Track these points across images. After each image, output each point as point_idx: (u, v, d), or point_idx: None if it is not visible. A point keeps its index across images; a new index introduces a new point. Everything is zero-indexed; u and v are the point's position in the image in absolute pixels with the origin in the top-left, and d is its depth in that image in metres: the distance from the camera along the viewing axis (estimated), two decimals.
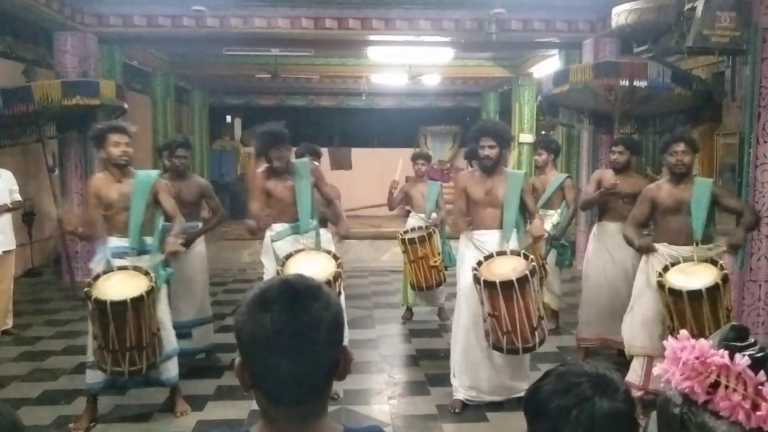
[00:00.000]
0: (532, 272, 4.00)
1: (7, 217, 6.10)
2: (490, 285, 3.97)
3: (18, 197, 6.19)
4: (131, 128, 4.31)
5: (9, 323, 6.15)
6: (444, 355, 5.50)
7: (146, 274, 4.02)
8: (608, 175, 5.33)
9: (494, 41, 8.28)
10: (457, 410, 4.35)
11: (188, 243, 4.84)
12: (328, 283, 3.96)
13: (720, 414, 1.08)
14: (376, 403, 4.59)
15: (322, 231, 4.75)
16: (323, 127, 16.06)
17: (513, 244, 4.33)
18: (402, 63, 11.72)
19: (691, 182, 4.29)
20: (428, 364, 5.35)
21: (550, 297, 6.03)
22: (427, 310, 6.78)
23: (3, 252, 5.94)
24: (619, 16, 6.19)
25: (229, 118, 16.55)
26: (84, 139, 8.42)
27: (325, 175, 5.02)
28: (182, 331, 4.78)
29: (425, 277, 6.13)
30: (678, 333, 1.20)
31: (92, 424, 4.15)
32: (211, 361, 5.30)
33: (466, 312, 4.33)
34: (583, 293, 5.46)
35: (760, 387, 1.06)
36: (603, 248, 5.27)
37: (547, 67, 10.72)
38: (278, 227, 4.61)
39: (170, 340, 4.27)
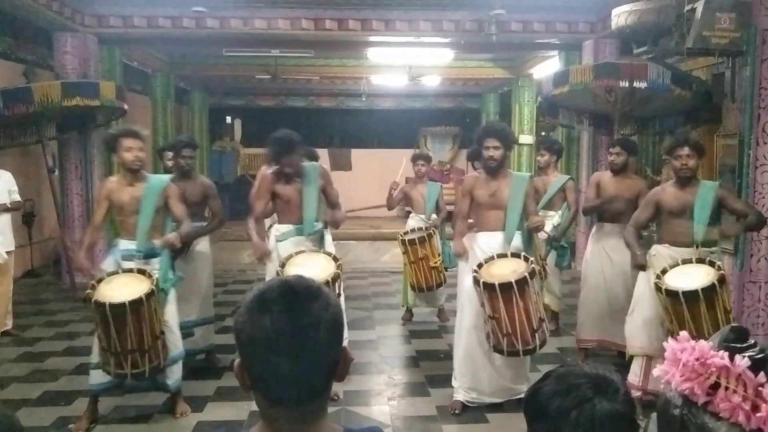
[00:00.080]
0: (531, 274, 4.00)
1: (7, 218, 6.09)
2: (489, 287, 3.97)
3: (17, 198, 6.19)
4: (144, 132, 4.36)
5: (9, 324, 6.14)
6: (444, 356, 5.52)
7: (149, 277, 4.02)
8: (606, 177, 5.34)
9: (494, 42, 8.28)
10: (457, 411, 4.35)
11: (186, 243, 4.84)
12: (327, 283, 3.97)
13: (720, 415, 1.08)
14: (376, 404, 4.59)
15: (326, 233, 4.80)
16: (323, 128, 16.05)
17: (514, 246, 4.33)
18: (402, 64, 11.72)
19: (696, 185, 4.27)
20: (428, 365, 5.35)
21: (550, 298, 6.04)
22: (427, 311, 6.78)
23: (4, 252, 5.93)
24: (619, 17, 6.19)
25: (229, 119, 16.54)
26: (84, 140, 8.44)
27: None
28: (185, 331, 4.78)
29: (425, 278, 6.14)
30: (677, 335, 1.20)
31: (92, 425, 4.15)
32: (211, 362, 5.31)
33: (469, 313, 4.34)
34: (581, 295, 5.46)
35: (760, 388, 1.06)
36: (601, 250, 5.28)
37: (547, 68, 10.72)
38: (283, 228, 4.71)
39: (177, 344, 4.28)
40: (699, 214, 4.16)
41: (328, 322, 1.12)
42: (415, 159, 6.64)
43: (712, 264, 3.98)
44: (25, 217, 8.40)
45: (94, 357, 4.11)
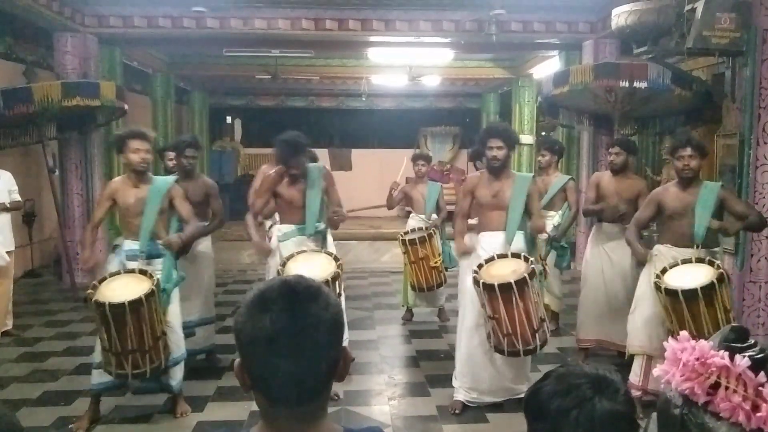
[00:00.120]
0: (531, 275, 4.00)
1: (7, 218, 6.09)
2: (488, 288, 3.97)
3: (17, 198, 6.19)
4: (151, 135, 4.38)
5: (9, 324, 6.14)
6: (444, 356, 5.52)
7: (150, 277, 4.03)
8: (606, 177, 5.33)
9: (494, 42, 8.28)
10: (457, 411, 4.35)
11: (186, 243, 4.85)
12: (327, 283, 3.98)
13: (720, 415, 1.08)
14: (377, 404, 4.59)
15: (328, 233, 4.84)
16: (323, 128, 16.06)
17: (516, 246, 4.33)
18: (402, 64, 11.72)
19: (698, 186, 4.27)
20: (428, 365, 5.35)
21: (550, 298, 6.03)
22: (428, 311, 6.78)
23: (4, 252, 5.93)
24: (619, 17, 6.19)
25: (229, 119, 16.54)
26: (84, 140, 8.44)
27: None
28: (186, 331, 4.78)
29: (426, 277, 6.14)
30: (678, 335, 1.20)
31: (93, 425, 4.14)
32: (211, 362, 5.31)
33: (471, 314, 4.34)
34: (581, 295, 5.46)
35: (760, 388, 1.06)
36: (601, 249, 5.28)
37: (547, 68, 10.72)
38: (285, 228, 4.75)
39: (179, 345, 4.29)
40: (700, 214, 4.16)
41: (328, 321, 1.12)
42: (415, 159, 6.64)
43: (711, 263, 3.99)
44: (26, 216, 8.40)
45: (96, 356, 4.12)
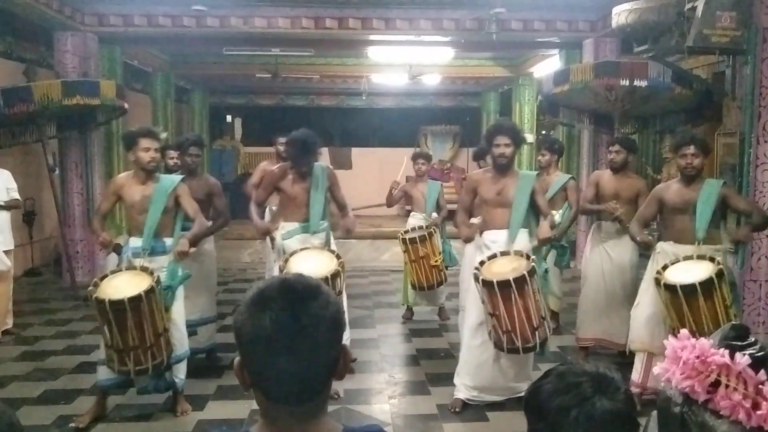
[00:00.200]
0: (531, 272, 4.00)
1: (6, 217, 6.09)
2: (488, 284, 3.98)
3: (16, 196, 6.18)
4: (162, 135, 4.39)
5: (9, 323, 6.14)
6: (444, 355, 5.52)
7: (150, 274, 4.03)
8: (606, 176, 5.33)
9: (494, 41, 8.27)
10: (457, 410, 4.35)
11: (193, 243, 4.86)
12: (326, 280, 3.99)
13: (720, 413, 1.08)
14: (377, 403, 4.59)
15: (330, 232, 4.86)
16: (323, 127, 16.02)
17: (520, 244, 4.32)
18: (402, 63, 11.71)
19: (701, 183, 4.28)
20: (429, 364, 5.35)
21: (550, 297, 6.02)
22: (428, 309, 6.78)
23: (3, 251, 5.93)
24: (620, 15, 6.19)
25: (229, 118, 16.54)
26: (84, 138, 8.43)
27: None
28: (189, 329, 4.78)
29: (426, 276, 6.14)
30: (678, 332, 1.20)
31: (95, 422, 4.14)
32: (212, 361, 5.31)
33: (473, 312, 4.35)
34: (581, 293, 5.46)
35: (760, 386, 1.06)
36: (601, 248, 5.28)
37: (547, 66, 10.71)
38: (288, 226, 4.76)
39: (183, 342, 4.29)
40: (702, 211, 4.17)
41: (328, 320, 1.12)
42: (415, 158, 6.63)
43: (712, 260, 3.99)
44: (26, 215, 8.41)
45: (101, 353, 4.13)
